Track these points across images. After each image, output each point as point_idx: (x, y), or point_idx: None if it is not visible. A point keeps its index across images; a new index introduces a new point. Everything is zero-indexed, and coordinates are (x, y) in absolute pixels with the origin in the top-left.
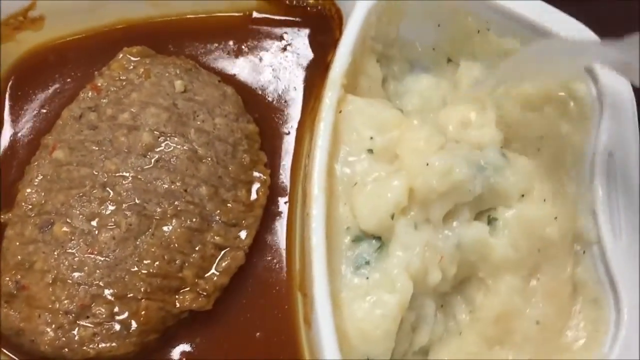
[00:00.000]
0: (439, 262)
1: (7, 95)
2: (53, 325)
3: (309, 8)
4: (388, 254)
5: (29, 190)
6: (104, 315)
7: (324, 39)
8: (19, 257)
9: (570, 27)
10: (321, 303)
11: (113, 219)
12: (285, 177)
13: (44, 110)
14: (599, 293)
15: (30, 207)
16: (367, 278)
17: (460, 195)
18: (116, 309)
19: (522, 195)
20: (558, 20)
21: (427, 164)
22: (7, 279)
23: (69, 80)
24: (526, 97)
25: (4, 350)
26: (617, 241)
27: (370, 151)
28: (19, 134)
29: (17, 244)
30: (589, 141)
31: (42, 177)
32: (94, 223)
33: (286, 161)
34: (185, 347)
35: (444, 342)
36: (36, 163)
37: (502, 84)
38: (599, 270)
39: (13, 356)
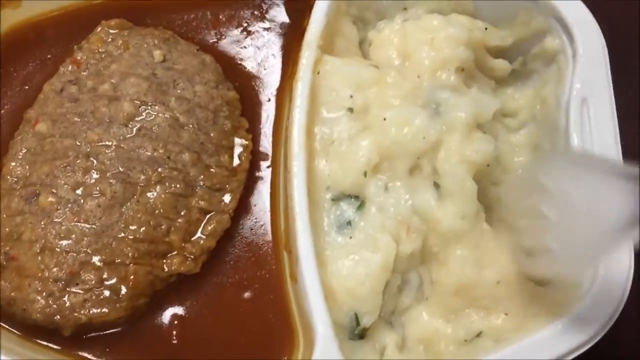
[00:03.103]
0: (407, 232)
1: None
2: (43, 293)
3: None
4: (368, 213)
5: (13, 163)
6: (93, 282)
7: (300, 5)
8: (7, 229)
9: None
10: (305, 255)
11: (98, 188)
12: (267, 142)
13: (26, 87)
14: None
15: (15, 180)
16: (351, 237)
17: (416, 144)
18: (105, 275)
19: None
20: None
21: (385, 119)
22: None
23: (49, 56)
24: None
25: None
26: None
27: (351, 110)
28: (1, 112)
29: (4, 216)
30: (563, 91)
31: (25, 150)
32: (79, 192)
33: (267, 127)
34: (175, 310)
35: (414, 307)
36: (19, 137)
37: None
38: None
39: (6, 326)
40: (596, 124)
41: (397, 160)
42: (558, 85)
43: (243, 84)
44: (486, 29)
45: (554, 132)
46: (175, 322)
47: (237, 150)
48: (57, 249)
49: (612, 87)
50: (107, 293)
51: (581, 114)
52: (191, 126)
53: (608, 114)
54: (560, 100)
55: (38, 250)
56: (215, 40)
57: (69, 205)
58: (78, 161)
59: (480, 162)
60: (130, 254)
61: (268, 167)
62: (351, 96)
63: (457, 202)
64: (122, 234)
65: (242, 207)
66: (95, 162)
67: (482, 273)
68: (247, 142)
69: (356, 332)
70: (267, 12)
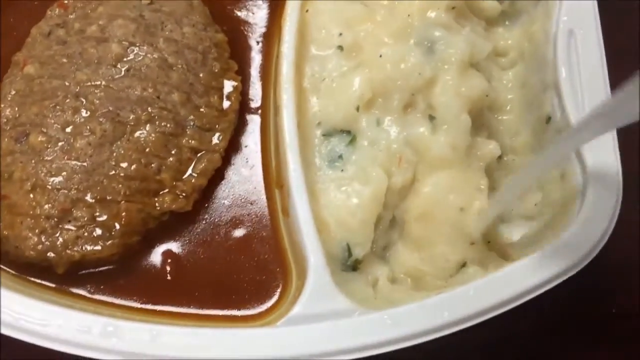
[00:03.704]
0: (399, 164)
1: None
2: (36, 230)
3: None
4: (359, 147)
5: (2, 105)
6: (85, 219)
7: None
8: None
9: None
10: (296, 185)
11: (88, 127)
12: (256, 84)
13: (14, 33)
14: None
15: (4, 121)
16: (342, 171)
17: (412, 80)
18: (97, 212)
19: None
20: None
21: (380, 56)
22: None
23: (35, 2)
24: None
25: None
26: (581, 113)
27: (340, 48)
28: None
29: None
30: (550, 25)
31: (14, 92)
32: (68, 131)
33: (256, 70)
34: (168, 247)
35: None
36: (8, 80)
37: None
38: None
39: None
40: (583, 54)
41: (391, 96)
42: (546, 20)
43: (231, 28)
44: None
45: (543, 66)
46: (169, 260)
47: (227, 91)
48: (48, 186)
49: (598, 18)
50: (99, 230)
51: (568, 45)
52: (180, 67)
53: (595, 44)
54: (548, 34)
55: (29, 188)
56: None
57: (59, 143)
58: (67, 101)
59: (475, 98)
60: (121, 192)
61: (258, 108)
62: (340, 34)
63: (450, 132)
64: (113, 172)
65: (233, 147)
66: (84, 101)
67: (447, 197)
68: (236, 84)
69: (348, 263)
70: None
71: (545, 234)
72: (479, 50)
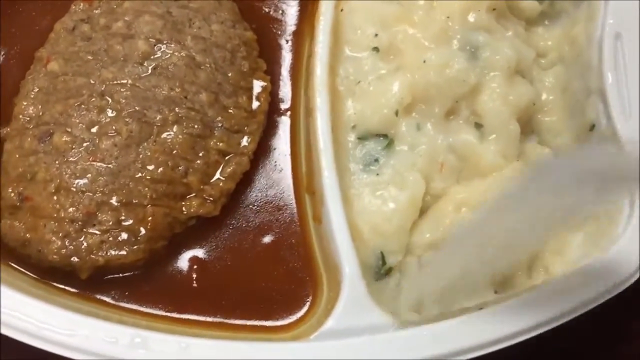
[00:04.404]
0: (441, 170)
1: None
2: (60, 234)
3: None
4: (397, 151)
5: (25, 103)
6: (110, 223)
7: None
8: (20, 169)
9: None
10: (330, 192)
11: (113, 127)
12: (286, 85)
13: (37, 27)
14: None
15: (27, 119)
16: (378, 175)
17: (456, 87)
18: (122, 216)
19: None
20: None
21: (424, 61)
22: (10, 190)
23: None
24: None
25: (11, 264)
26: (627, 120)
27: (376, 49)
28: (11, 53)
29: (17, 156)
30: (595, 28)
31: (37, 89)
32: (94, 131)
33: (286, 70)
34: (194, 253)
35: None
36: (31, 77)
37: None
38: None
39: (20, 268)
40: (631, 60)
41: (433, 102)
42: (589, 23)
43: (260, 27)
44: None
45: (586, 72)
46: (195, 266)
47: (256, 91)
48: (72, 188)
49: None
50: (124, 235)
51: (615, 50)
52: (208, 66)
53: None
54: (592, 37)
55: (53, 190)
56: None
57: (84, 144)
58: (92, 100)
59: (523, 106)
60: (148, 195)
61: (287, 109)
62: (376, 35)
63: (500, 141)
64: (140, 174)
65: (262, 149)
66: (110, 100)
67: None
68: (265, 84)
69: (382, 271)
70: None
71: (589, 248)
72: (525, 57)
